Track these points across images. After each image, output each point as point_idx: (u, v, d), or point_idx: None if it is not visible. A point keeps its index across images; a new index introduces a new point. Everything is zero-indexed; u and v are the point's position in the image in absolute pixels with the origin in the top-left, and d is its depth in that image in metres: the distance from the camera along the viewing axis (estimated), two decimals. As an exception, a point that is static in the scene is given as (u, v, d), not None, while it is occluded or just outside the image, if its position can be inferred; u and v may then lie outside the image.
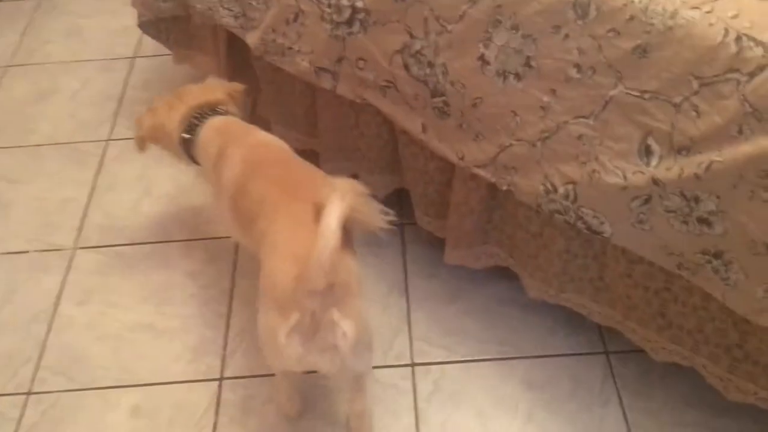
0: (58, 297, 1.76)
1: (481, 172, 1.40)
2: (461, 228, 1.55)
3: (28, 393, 1.58)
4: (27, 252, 1.87)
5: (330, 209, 1.10)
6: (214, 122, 1.58)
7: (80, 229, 1.92)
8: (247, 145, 1.51)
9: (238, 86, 1.69)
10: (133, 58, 2.43)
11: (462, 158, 1.43)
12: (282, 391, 1.50)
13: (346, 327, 1.19)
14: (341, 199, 1.11)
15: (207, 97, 1.62)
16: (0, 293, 1.77)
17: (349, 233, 1.19)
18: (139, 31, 2.32)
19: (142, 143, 1.68)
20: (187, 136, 1.59)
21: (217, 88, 1.65)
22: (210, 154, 1.54)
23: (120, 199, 1.98)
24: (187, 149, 1.61)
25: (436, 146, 1.47)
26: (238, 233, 1.53)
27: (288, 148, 1.54)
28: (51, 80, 2.37)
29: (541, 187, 1.32)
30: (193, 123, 1.58)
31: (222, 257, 1.83)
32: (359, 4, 1.45)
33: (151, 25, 2.02)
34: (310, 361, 1.24)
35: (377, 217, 1.20)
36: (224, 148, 1.51)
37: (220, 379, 1.59)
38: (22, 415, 1.54)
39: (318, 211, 1.12)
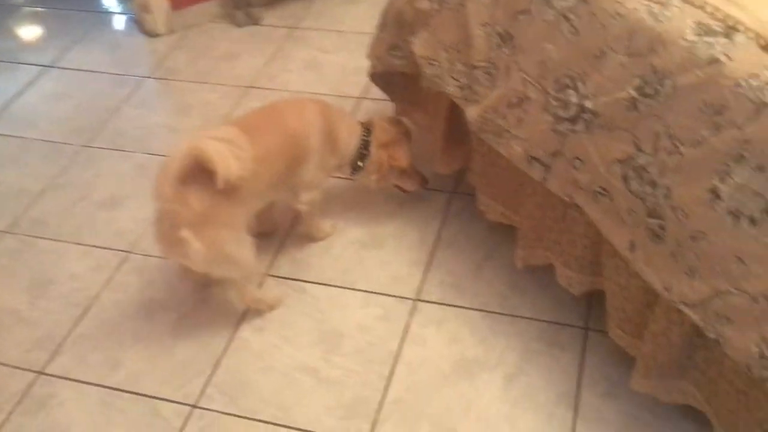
0: (240, 320, 1.86)
1: (688, 311, 1.26)
2: (656, 358, 1.41)
3: (194, 406, 1.68)
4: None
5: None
6: None
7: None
8: None
9: None
10: (361, 98, 2.52)
11: (668, 290, 1.29)
12: None
13: None
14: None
15: None
16: (189, 306, 1.91)
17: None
18: (369, 74, 2.41)
19: None
20: None
21: None
22: None
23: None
24: None
25: (642, 269, 1.34)
26: None
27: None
28: (283, 107, 2.53)
29: (755, 349, 1.15)
30: None
31: (396, 319, 1.82)
32: (588, 105, 1.37)
33: (380, 78, 2.07)
34: None
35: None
36: None
37: (367, 445, 1.58)
38: (182, 427, 1.63)
39: None
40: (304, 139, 1.80)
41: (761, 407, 1.23)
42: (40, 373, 1.77)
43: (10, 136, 2.52)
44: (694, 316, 1.25)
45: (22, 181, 2.33)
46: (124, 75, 2.78)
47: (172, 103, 2.65)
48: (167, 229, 1.59)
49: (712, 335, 1.23)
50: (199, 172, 1.54)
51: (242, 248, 1.69)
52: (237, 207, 1.65)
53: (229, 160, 1.53)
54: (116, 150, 2.43)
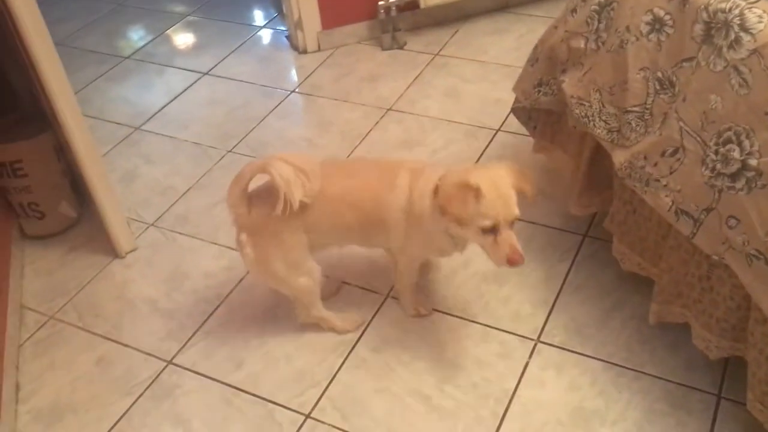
0: (359, 337, 1.88)
1: None
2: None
3: (308, 416, 1.71)
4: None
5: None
6: None
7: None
8: None
9: None
10: (497, 130, 2.51)
11: (824, 369, 1.20)
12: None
13: None
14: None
15: None
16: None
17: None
18: (509, 106, 2.40)
19: None
20: None
21: None
22: None
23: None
24: None
25: (795, 342, 1.25)
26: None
27: None
28: (420, 132, 2.56)
29: None
30: None
31: (515, 357, 1.79)
32: (752, 162, 1.29)
33: (523, 112, 2.06)
34: None
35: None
36: None
37: (474, 483, 1.55)
38: (296, 436, 1.67)
39: None
40: (380, 208, 1.67)
41: None
42: (170, 362, 1.86)
43: (164, 135, 2.70)
44: None
45: (170, 179, 2.48)
46: (272, 87, 2.91)
47: (313, 118, 2.74)
48: (236, 229, 1.71)
49: None
50: (270, 188, 1.61)
51: (290, 270, 1.72)
52: (293, 232, 1.68)
53: (293, 186, 1.57)
54: (258, 158, 2.53)
